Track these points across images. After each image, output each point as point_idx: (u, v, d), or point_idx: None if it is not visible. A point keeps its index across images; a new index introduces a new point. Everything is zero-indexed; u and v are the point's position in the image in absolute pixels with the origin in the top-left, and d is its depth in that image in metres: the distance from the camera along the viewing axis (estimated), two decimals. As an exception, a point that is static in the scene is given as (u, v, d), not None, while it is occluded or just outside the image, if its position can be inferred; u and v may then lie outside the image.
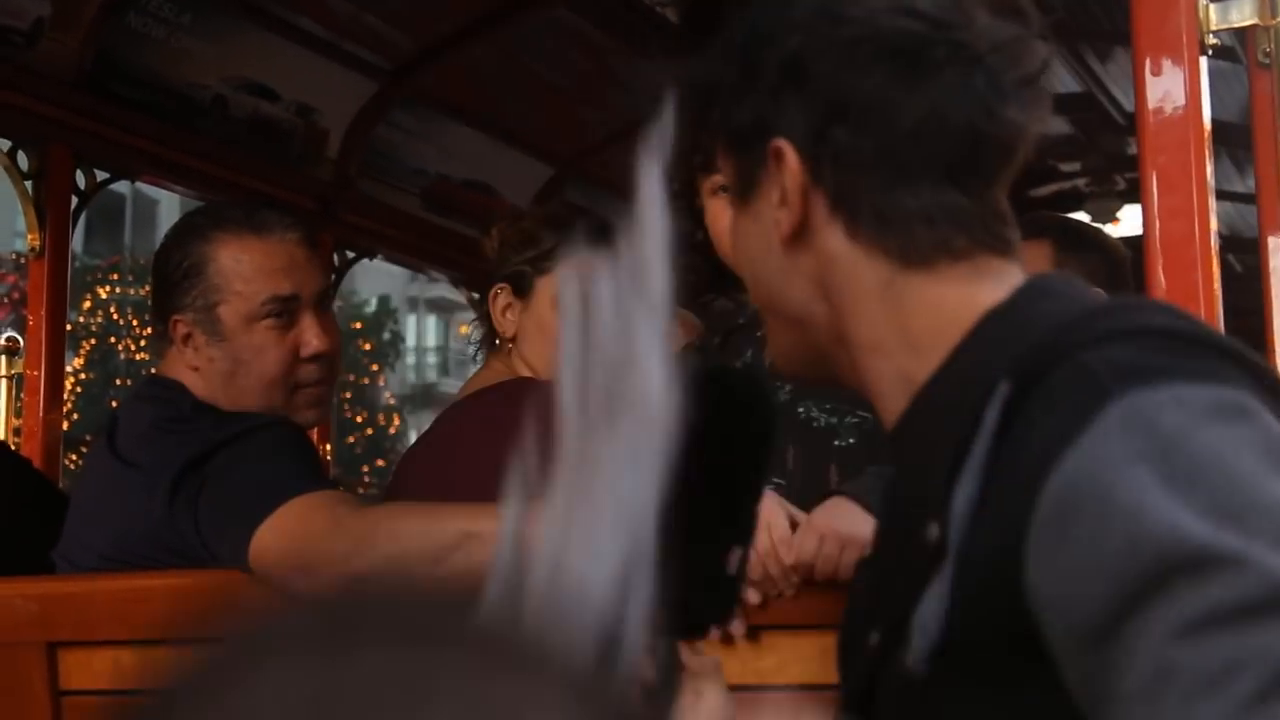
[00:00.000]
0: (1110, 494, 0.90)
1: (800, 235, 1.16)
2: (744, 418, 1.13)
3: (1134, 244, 3.06)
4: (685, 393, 1.02)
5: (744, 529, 1.17)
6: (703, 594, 1.16)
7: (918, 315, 1.13)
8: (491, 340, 2.43)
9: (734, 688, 1.26)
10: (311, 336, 2.26)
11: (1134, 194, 6.23)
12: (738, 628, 1.67)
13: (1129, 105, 5.56)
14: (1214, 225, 1.64)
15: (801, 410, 2.06)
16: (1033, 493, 0.94)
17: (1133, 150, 6.07)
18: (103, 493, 2.16)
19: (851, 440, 2.01)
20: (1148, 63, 1.64)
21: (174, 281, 2.23)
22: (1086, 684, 0.91)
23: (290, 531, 1.89)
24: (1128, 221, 6.29)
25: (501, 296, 2.40)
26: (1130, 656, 0.87)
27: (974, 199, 1.13)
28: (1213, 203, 1.64)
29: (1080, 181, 6.49)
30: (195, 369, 2.23)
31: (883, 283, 1.13)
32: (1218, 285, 1.65)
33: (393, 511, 1.81)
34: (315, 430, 2.96)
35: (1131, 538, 0.88)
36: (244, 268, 2.22)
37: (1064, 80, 5.06)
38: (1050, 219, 3.10)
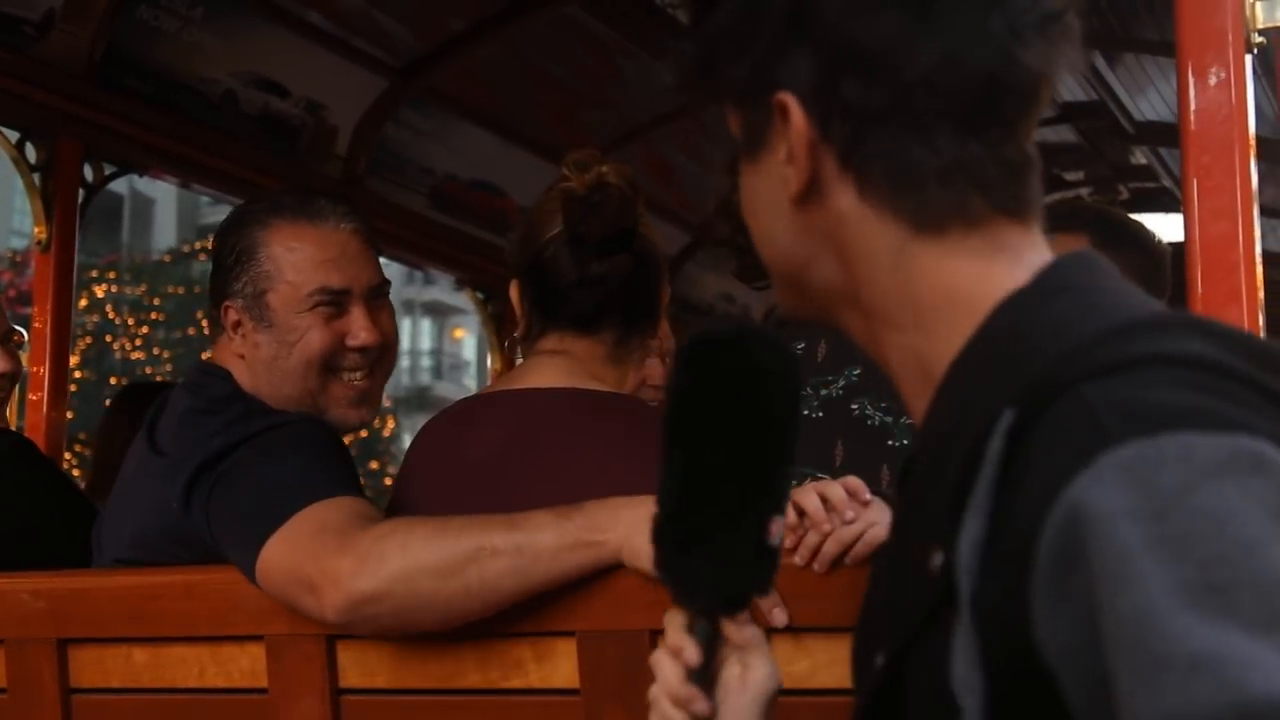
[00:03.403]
0: (1101, 553, 0.84)
1: (810, 194, 1.10)
2: (765, 383, 1.10)
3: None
4: (691, 366, 1.10)
5: (780, 495, 1.14)
6: (746, 566, 1.14)
7: (927, 292, 1.08)
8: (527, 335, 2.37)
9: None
10: (360, 328, 2.18)
11: (1139, 204, 6.26)
12: (779, 617, 1.62)
13: (1137, 114, 5.53)
14: (1258, 229, 1.60)
15: (855, 407, 1.98)
16: (1031, 544, 0.89)
17: (1138, 160, 6.10)
18: (135, 480, 2.13)
19: (905, 442, 1.91)
20: (1191, 60, 1.61)
21: (227, 267, 2.19)
22: None
23: (299, 546, 1.82)
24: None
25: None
26: None
27: (992, 149, 1.06)
28: (1256, 206, 1.60)
29: (1084, 191, 6.46)
30: (241, 356, 2.18)
31: (894, 249, 1.08)
32: (1260, 290, 1.60)
33: (403, 524, 1.75)
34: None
35: (1117, 612, 0.83)
36: (295, 256, 2.16)
37: (1070, 88, 5.00)
38: (1090, 209, 2.90)
